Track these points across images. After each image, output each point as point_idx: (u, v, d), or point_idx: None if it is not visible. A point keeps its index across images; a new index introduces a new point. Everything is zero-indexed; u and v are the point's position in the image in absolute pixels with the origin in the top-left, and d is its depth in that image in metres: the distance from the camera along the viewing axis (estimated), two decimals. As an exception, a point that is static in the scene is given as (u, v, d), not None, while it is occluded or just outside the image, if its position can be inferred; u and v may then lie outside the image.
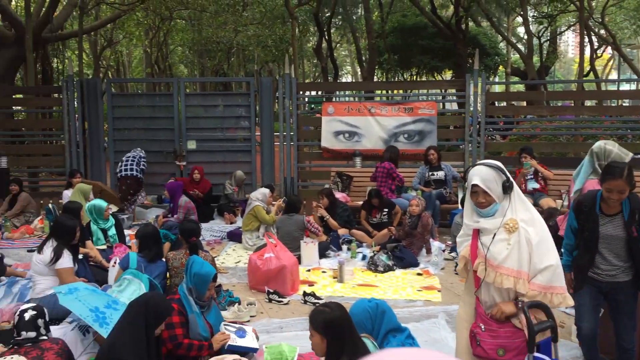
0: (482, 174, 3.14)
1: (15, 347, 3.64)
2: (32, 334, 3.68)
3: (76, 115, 11.06)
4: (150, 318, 3.58)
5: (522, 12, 20.76)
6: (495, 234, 3.14)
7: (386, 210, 8.21)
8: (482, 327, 3.22)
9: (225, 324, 4.39)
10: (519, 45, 29.31)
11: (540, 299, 3.09)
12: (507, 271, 3.09)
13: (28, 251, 7.85)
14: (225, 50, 26.56)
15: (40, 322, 3.82)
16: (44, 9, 15.36)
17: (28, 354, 3.55)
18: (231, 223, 9.79)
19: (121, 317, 3.70)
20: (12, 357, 3.42)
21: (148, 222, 8.87)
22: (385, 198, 8.38)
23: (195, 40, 24.88)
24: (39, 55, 15.79)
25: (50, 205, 9.27)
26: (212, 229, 9.29)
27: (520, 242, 3.08)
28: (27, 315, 3.72)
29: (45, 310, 3.85)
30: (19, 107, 13.30)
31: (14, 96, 13.72)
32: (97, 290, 4.61)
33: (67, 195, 9.12)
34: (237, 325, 4.29)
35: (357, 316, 3.53)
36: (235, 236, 8.58)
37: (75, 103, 10.88)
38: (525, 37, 22.03)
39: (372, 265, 6.92)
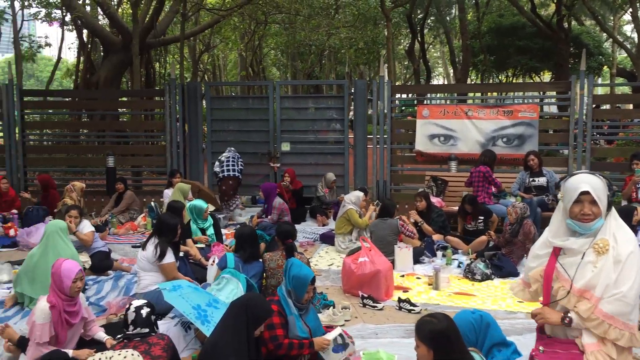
0: (592, 182, 2.81)
1: (125, 340, 3.79)
2: (146, 330, 3.82)
3: (177, 117, 11.51)
4: (251, 319, 3.61)
5: (631, 10, 19.49)
6: (583, 255, 2.80)
7: (482, 218, 7.93)
8: (541, 349, 2.96)
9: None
10: (627, 44, 27.57)
11: (595, 327, 2.75)
12: (589, 295, 2.78)
13: (132, 247, 8.23)
14: (318, 53, 26.83)
15: (153, 318, 3.97)
16: (148, 16, 16.14)
17: (137, 348, 3.69)
18: (323, 225, 9.81)
19: (223, 317, 3.76)
20: (127, 351, 3.55)
21: (244, 223, 9.07)
22: (481, 205, 8.09)
23: (289, 44, 25.28)
24: (143, 59, 16.59)
25: (152, 204, 9.69)
26: (304, 231, 9.35)
27: (607, 266, 2.74)
28: (144, 312, 3.87)
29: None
30: (124, 109, 14.01)
31: (119, 99, 14.50)
32: (198, 289, 4.73)
33: (168, 194, 9.49)
34: (339, 341, 4.20)
35: (461, 328, 3.37)
36: (327, 238, 8.59)
37: (177, 105, 11.32)
38: (633, 35, 20.66)
39: (469, 274, 6.69)
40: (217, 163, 10.22)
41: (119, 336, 3.96)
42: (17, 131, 10.99)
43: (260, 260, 5.71)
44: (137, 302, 3.99)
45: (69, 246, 6.02)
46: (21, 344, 4.43)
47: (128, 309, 3.95)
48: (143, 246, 5.62)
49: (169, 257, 5.48)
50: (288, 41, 25.11)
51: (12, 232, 8.61)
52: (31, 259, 5.79)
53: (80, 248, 6.81)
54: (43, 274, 5.63)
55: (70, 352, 4.13)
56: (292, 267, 4.18)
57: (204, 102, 11.93)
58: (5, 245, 8.11)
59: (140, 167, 12.63)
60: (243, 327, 3.60)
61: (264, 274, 5.65)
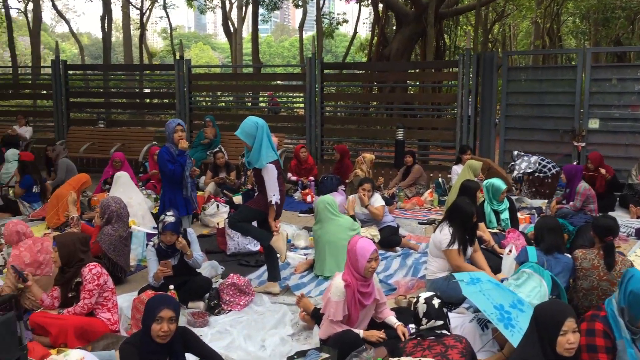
0: None
1: (418, 338, 3.43)
2: (440, 322, 3.42)
3: (469, 90, 10.91)
4: (543, 332, 2.90)
5: None
6: None
7: None
8: None
9: None
10: None
11: None
12: None
13: (419, 223, 7.99)
14: (631, 16, 23.37)
15: (445, 310, 3.55)
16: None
17: (432, 348, 3.30)
18: (638, 217, 8.27)
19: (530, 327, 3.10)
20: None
21: (540, 208, 8.14)
22: None
23: (594, 8, 22.47)
24: (435, 30, 16.25)
25: (439, 179, 9.33)
26: (613, 223, 7.97)
27: None
28: (435, 303, 3.48)
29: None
30: (410, 82, 13.87)
31: (410, 71, 14.42)
32: (499, 285, 4.14)
33: (456, 170, 9.02)
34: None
35: None
36: None
37: (470, 77, 10.69)
38: None
39: None
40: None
41: (412, 332, 3.63)
42: (316, 102, 11.63)
43: (568, 255, 4.85)
44: (424, 294, 3.62)
45: (342, 217, 5.99)
46: (315, 316, 4.43)
47: (417, 302, 3.59)
48: (435, 228, 5.24)
49: (454, 245, 4.99)
50: (593, 5, 22.35)
51: (309, 199, 9.11)
52: (316, 233, 5.89)
53: (370, 222, 6.77)
54: (330, 249, 5.70)
55: (361, 333, 3.96)
56: (631, 280, 3.30)
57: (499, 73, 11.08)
58: (303, 210, 8.58)
59: (427, 141, 12.40)
60: (536, 341, 2.91)
61: (573, 274, 4.78)
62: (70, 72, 13.39)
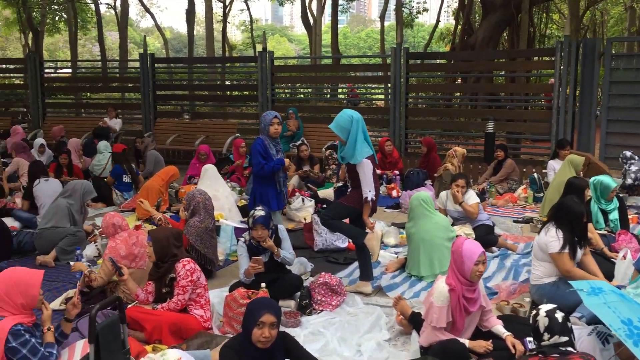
0: None
1: (540, 355, 3.10)
2: (565, 338, 3.08)
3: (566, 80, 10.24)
4: None
5: None
6: None
7: None
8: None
9: None
10: None
11: None
12: None
13: (514, 222, 7.54)
14: None
15: (569, 325, 3.20)
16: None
17: (557, 366, 2.96)
18: None
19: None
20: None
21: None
22: None
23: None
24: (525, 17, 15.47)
25: (534, 175, 8.80)
26: None
27: None
28: (559, 316, 3.14)
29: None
30: (497, 72, 13.23)
31: (497, 60, 13.77)
32: (625, 296, 3.72)
33: (553, 166, 8.48)
34: None
35: None
36: None
37: (569, 66, 10.02)
38: None
39: None
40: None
41: (531, 348, 3.30)
42: (401, 93, 11.29)
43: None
44: (545, 307, 3.26)
45: (438, 214, 5.70)
46: (413, 320, 4.17)
47: (537, 314, 3.24)
48: (540, 229, 4.84)
49: (563, 248, 4.56)
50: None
51: (394, 193, 8.82)
52: (409, 231, 5.61)
53: (464, 219, 6.41)
54: (425, 248, 5.41)
55: (467, 343, 3.67)
56: None
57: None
58: (389, 206, 8.31)
59: (518, 134, 11.78)
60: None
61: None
62: (157, 65, 13.66)
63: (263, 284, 4.45)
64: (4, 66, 17.93)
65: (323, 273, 4.92)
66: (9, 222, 7.05)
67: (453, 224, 6.25)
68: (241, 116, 13.72)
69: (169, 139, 12.17)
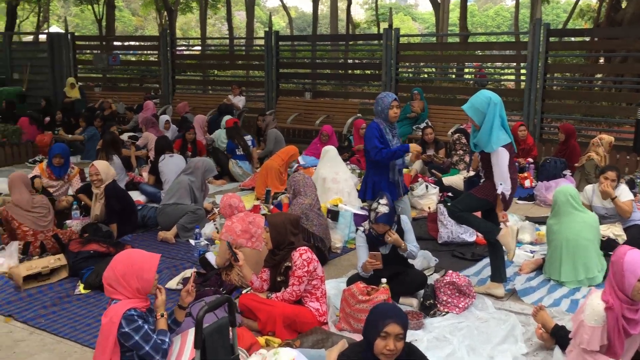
0: None
1: None
2: None
3: None
4: None
5: None
6: None
7: None
8: None
9: None
10: None
11: None
12: None
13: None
14: None
15: None
16: None
17: None
18: None
19: None
20: None
21: None
22: None
23: None
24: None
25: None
26: None
27: None
28: None
29: None
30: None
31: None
32: None
33: None
34: None
35: None
36: None
37: None
38: None
39: None
40: None
41: None
42: (538, 74, 10.33)
43: None
44: None
45: (587, 212, 5.00)
46: (556, 334, 3.62)
47: None
48: None
49: None
50: None
51: (527, 183, 8.08)
52: (551, 228, 4.95)
53: (613, 218, 5.61)
54: (568, 249, 4.75)
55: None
56: None
57: None
58: (521, 197, 7.59)
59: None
60: None
61: None
62: (281, 43, 13.60)
63: (384, 280, 4.08)
64: (140, 43, 18.82)
65: (450, 272, 4.46)
66: (136, 195, 7.25)
67: (600, 223, 5.50)
68: (363, 96, 13.31)
69: (289, 117, 12.09)
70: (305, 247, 3.99)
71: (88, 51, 17.31)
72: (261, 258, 4.55)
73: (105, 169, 5.94)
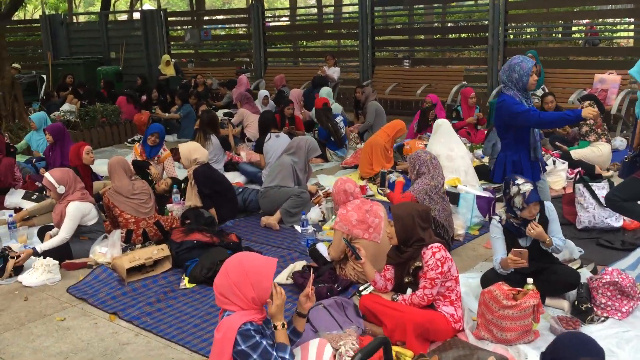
0: None
1: None
2: None
3: None
4: None
5: None
6: None
7: None
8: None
9: None
10: None
11: None
12: None
13: None
14: None
15: None
16: None
17: None
18: None
19: None
20: None
21: None
22: None
23: None
24: None
25: None
26: None
27: None
28: None
29: None
30: None
31: None
32: None
33: None
34: None
35: None
36: None
37: None
38: None
39: None
40: None
41: None
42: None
43: None
44: None
45: None
46: None
47: None
48: None
49: None
50: None
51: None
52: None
53: None
54: None
55: None
56: None
57: None
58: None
59: None
60: None
61: None
62: (376, 8, 12.83)
63: (530, 280, 3.44)
64: (230, 17, 18.60)
65: (610, 269, 3.73)
66: (235, 176, 6.91)
67: None
68: (466, 62, 12.37)
69: (388, 88, 11.41)
70: (439, 245, 3.41)
71: (179, 27, 17.29)
72: (379, 251, 4.03)
73: (187, 153, 5.60)
